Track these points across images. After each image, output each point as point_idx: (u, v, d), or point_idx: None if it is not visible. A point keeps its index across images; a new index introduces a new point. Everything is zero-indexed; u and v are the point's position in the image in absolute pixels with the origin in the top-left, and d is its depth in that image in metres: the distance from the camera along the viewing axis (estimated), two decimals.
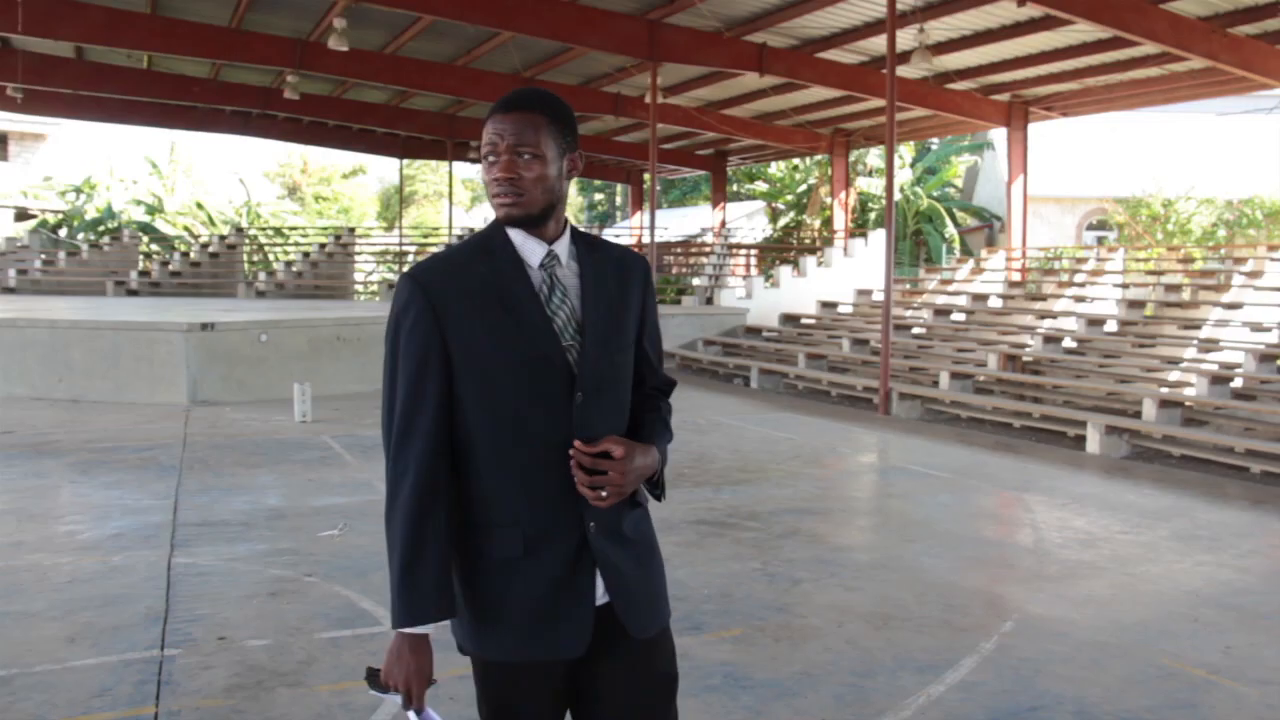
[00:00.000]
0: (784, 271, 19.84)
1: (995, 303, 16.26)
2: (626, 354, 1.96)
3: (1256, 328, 11.59)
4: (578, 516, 1.85)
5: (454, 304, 1.81)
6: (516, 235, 1.89)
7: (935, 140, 27.19)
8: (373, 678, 1.83)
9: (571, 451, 1.81)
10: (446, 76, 17.84)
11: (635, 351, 1.99)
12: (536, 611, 1.83)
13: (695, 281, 21.76)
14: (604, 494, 1.81)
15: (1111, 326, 13.23)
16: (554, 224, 1.89)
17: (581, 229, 1.98)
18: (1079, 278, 15.96)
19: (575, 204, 42.06)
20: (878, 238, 19.63)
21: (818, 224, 26.17)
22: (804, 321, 17.37)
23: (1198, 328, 12.40)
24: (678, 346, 17.20)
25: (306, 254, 24.66)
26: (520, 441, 1.82)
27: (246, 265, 25.88)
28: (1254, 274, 13.48)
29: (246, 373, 12.52)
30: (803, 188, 28.77)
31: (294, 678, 4.01)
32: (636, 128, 21.89)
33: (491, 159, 1.86)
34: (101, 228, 29.04)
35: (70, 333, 12.53)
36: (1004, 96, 17.42)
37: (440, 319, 1.81)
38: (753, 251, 24.29)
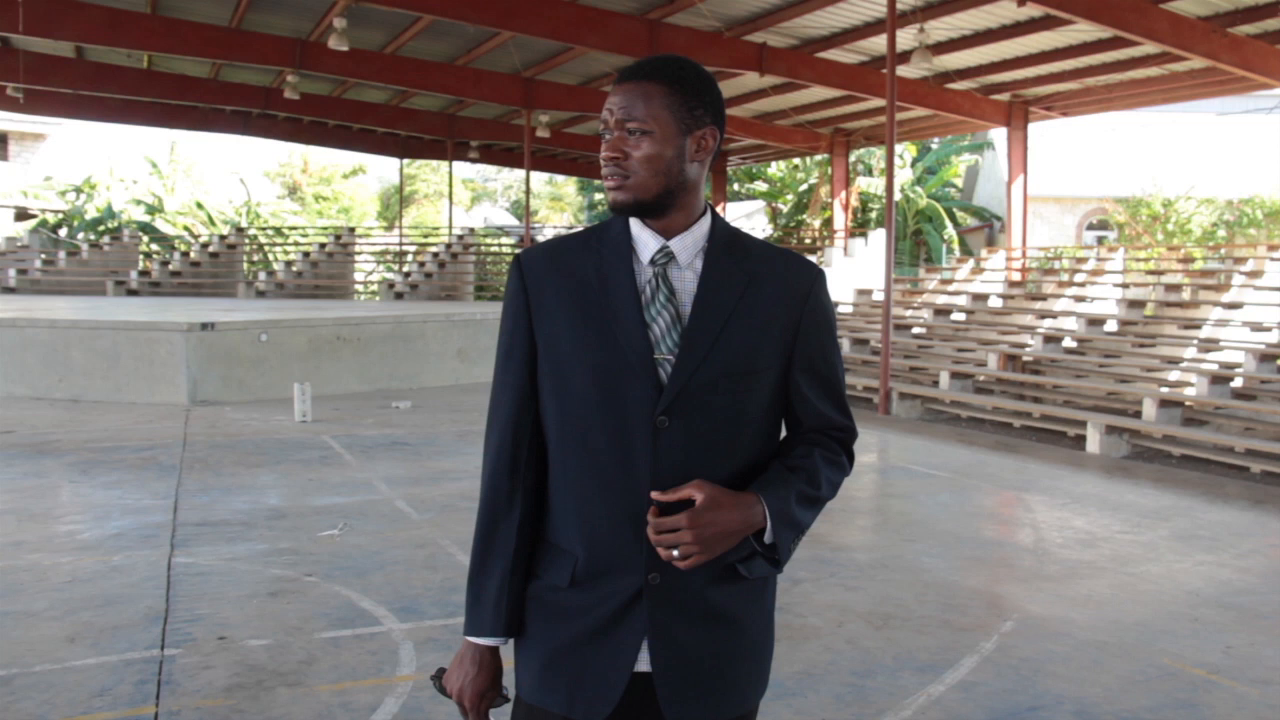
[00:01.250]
0: None
1: (995, 303, 16.25)
2: (750, 382, 1.60)
3: (1256, 328, 11.59)
4: (638, 564, 1.57)
5: (548, 290, 1.62)
6: (634, 226, 1.64)
7: (935, 140, 27.20)
8: (438, 677, 1.73)
9: (654, 501, 1.54)
10: (446, 76, 17.84)
11: (787, 385, 1.66)
12: (563, 656, 1.61)
13: None
14: (675, 553, 1.51)
15: (1111, 326, 13.22)
16: (680, 214, 1.61)
17: (734, 225, 1.72)
18: (1079, 278, 15.95)
19: (574, 204, 42.02)
20: (878, 238, 19.63)
21: (818, 224, 26.17)
22: None
23: (1198, 328, 12.39)
24: None
25: (306, 254, 24.65)
26: (583, 460, 1.59)
27: (246, 265, 25.89)
28: (1254, 274, 13.47)
29: (246, 373, 12.52)
30: (803, 187, 28.78)
31: (294, 678, 4.01)
32: None
33: (605, 136, 1.62)
34: (101, 228, 29.03)
35: (70, 333, 12.54)
36: (1004, 96, 17.41)
37: (531, 305, 1.63)
38: None
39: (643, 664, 1.59)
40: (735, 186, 32.68)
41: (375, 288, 24.51)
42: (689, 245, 1.61)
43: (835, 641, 4.48)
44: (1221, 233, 22.73)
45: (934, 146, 28.01)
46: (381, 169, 44.00)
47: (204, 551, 5.81)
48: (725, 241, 1.64)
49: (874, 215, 26.91)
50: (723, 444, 1.59)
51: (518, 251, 1.62)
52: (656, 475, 1.54)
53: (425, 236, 29.69)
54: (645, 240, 1.62)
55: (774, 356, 1.63)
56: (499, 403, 1.69)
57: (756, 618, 1.67)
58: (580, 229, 1.72)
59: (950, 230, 26.45)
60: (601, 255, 1.62)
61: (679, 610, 1.58)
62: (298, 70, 16.59)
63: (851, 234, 21.77)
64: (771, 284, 1.63)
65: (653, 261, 1.60)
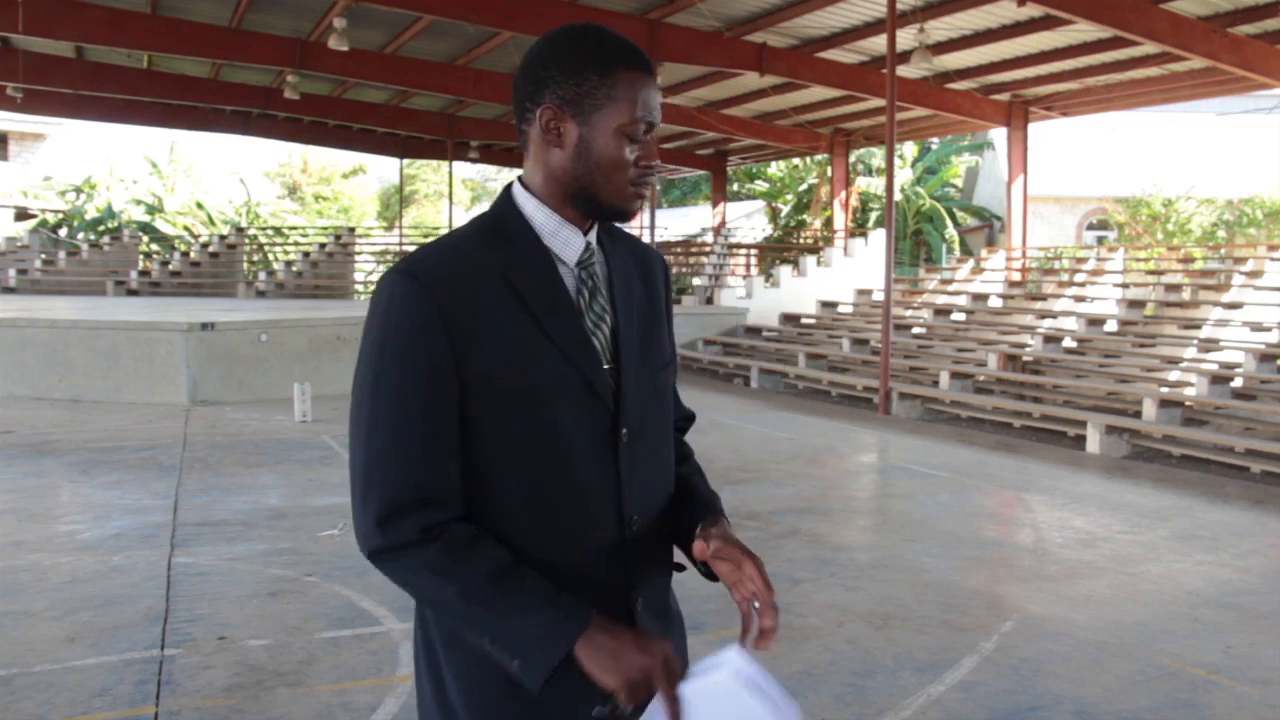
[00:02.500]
0: (784, 271, 19.85)
1: (995, 303, 16.26)
2: (669, 375, 1.53)
3: (1256, 328, 11.59)
4: (626, 592, 1.43)
5: (469, 313, 1.33)
6: (545, 220, 1.41)
7: (935, 140, 27.22)
8: (610, 709, 1.33)
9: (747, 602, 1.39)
10: (446, 76, 17.84)
11: None
12: None
13: (695, 281, 21.77)
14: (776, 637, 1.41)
15: (1111, 326, 13.23)
16: None
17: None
18: (1079, 277, 15.96)
19: None
20: (878, 238, 19.64)
21: (818, 224, 26.19)
22: (804, 321, 17.37)
23: (1198, 328, 12.40)
24: (678, 346, 17.20)
25: (306, 254, 24.67)
26: (559, 501, 1.37)
27: (246, 265, 25.90)
28: (1254, 274, 13.48)
29: (246, 373, 12.52)
30: (803, 187, 28.79)
31: (294, 678, 4.01)
32: None
33: (641, 134, 1.38)
34: (101, 228, 29.04)
35: (70, 333, 12.54)
36: (1004, 96, 17.41)
37: (454, 334, 1.31)
38: (753, 251, 24.32)
39: None
40: (735, 186, 32.68)
41: (375, 288, 24.49)
42: (593, 239, 1.46)
43: (835, 641, 4.48)
44: (1221, 233, 22.74)
45: (934, 146, 28.03)
46: (381, 169, 44.06)
47: (204, 551, 5.81)
48: (608, 233, 1.51)
49: (874, 215, 26.92)
50: (664, 444, 1.52)
51: (395, 264, 1.35)
52: (628, 496, 1.42)
53: (425, 236, 29.68)
54: (567, 238, 1.41)
55: (668, 345, 1.56)
56: (436, 457, 1.33)
57: (681, 616, 1.62)
58: (462, 227, 1.46)
59: (951, 230, 26.45)
60: (512, 256, 1.38)
61: (656, 624, 1.48)
62: (298, 70, 16.59)
63: (851, 234, 21.78)
64: (651, 271, 1.55)
65: (580, 263, 1.42)
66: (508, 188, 1.46)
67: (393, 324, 1.34)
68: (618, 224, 1.53)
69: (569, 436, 1.37)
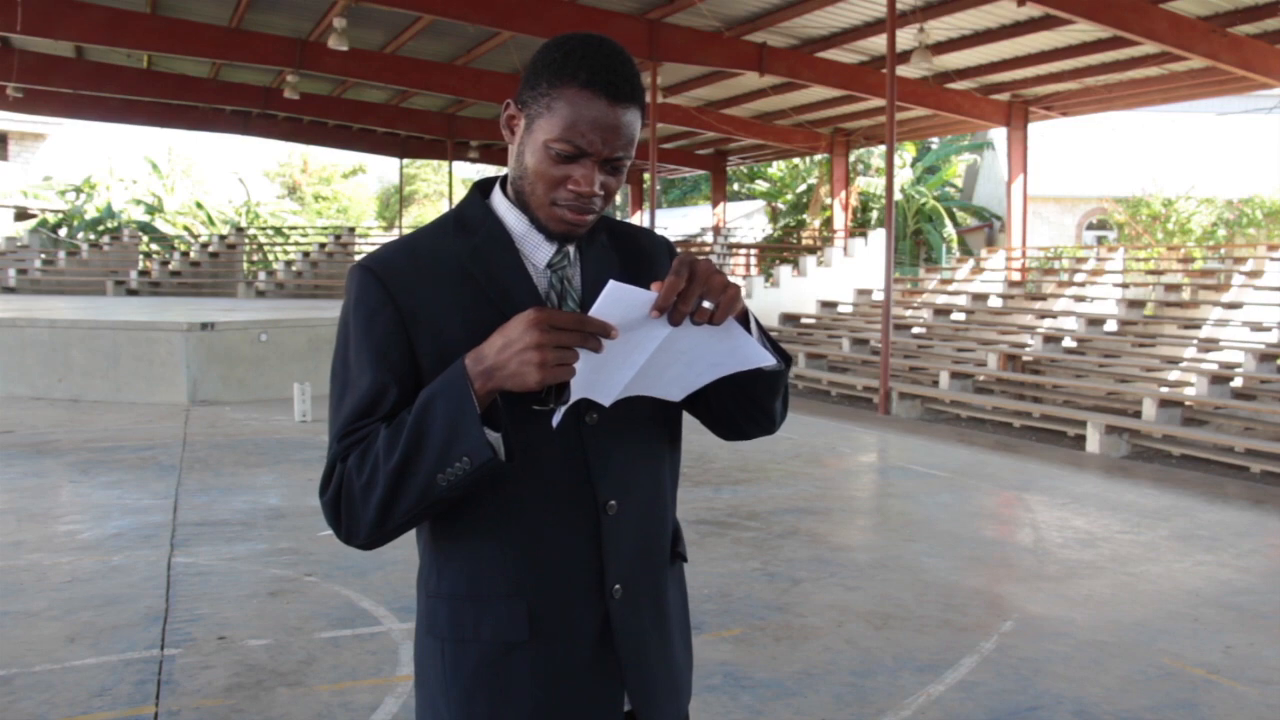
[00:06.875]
0: (784, 271, 19.84)
1: (995, 302, 16.25)
2: None
3: (1256, 327, 11.59)
4: (599, 579, 1.41)
5: (422, 297, 1.36)
6: (515, 222, 1.41)
7: (935, 140, 27.21)
8: (545, 398, 1.34)
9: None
10: (446, 76, 17.85)
11: None
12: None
13: None
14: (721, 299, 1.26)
15: (1111, 326, 13.23)
16: None
17: None
18: (1079, 277, 15.96)
19: None
20: (878, 237, 19.63)
21: (818, 224, 26.19)
22: (804, 321, 17.36)
23: (1198, 327, 12.39)
24: None
25: (306, 254, 24.68)
26: (520, 484, 1.37)
27: (246, 265, 25.90)
28: (1254, 274, 13.48)
29: (246, 373, 12.53)
30: (803, 187, 28.79)
31: (294, 678, 4.01)
32: None
33: (571, 156, 1.33)
34: (101, 227, 29.03)
35: (70, 333, 12.53)
36: (1004, 96, 17.41)
37: (406, 317, 1.35)
38: (753, 251, 24.31)
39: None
40: (735, 186, 32.69)
41: None
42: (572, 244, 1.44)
43: (835, 641, 4.48)
44: (1221, 233, 22.73)
45: (934, 146, 28.02)
46: (381, 169, 44.07)
47: (204, 551, 5.81)
48: (605, 227, 1.50)
49: (874, 215, 26.92)
50: (652, 438, 1.47)
51: (357, 262, 1.36)
52: (601, 478, 1.40)
53: None
54: (535, 241, 1.41)
55: None
56: (372, 426, 1.34)
57: (684, 607, 1.57)
58: (429, 223, 1.49)
59: (950, 230, 26.43)
60: (470, 247, 1.39)
61: (645, 619, 1.45)
62: (298, 70, 16.59)
63: (851, 234, 21.78)
64: (646, 259, 1.50)
65: (551, 265, 1.41)
66: (476, 185, 1.48)
67: (349, 312, 1.39)
68: (617, 221, 1.53)
69: (525, 424, 1.34)
